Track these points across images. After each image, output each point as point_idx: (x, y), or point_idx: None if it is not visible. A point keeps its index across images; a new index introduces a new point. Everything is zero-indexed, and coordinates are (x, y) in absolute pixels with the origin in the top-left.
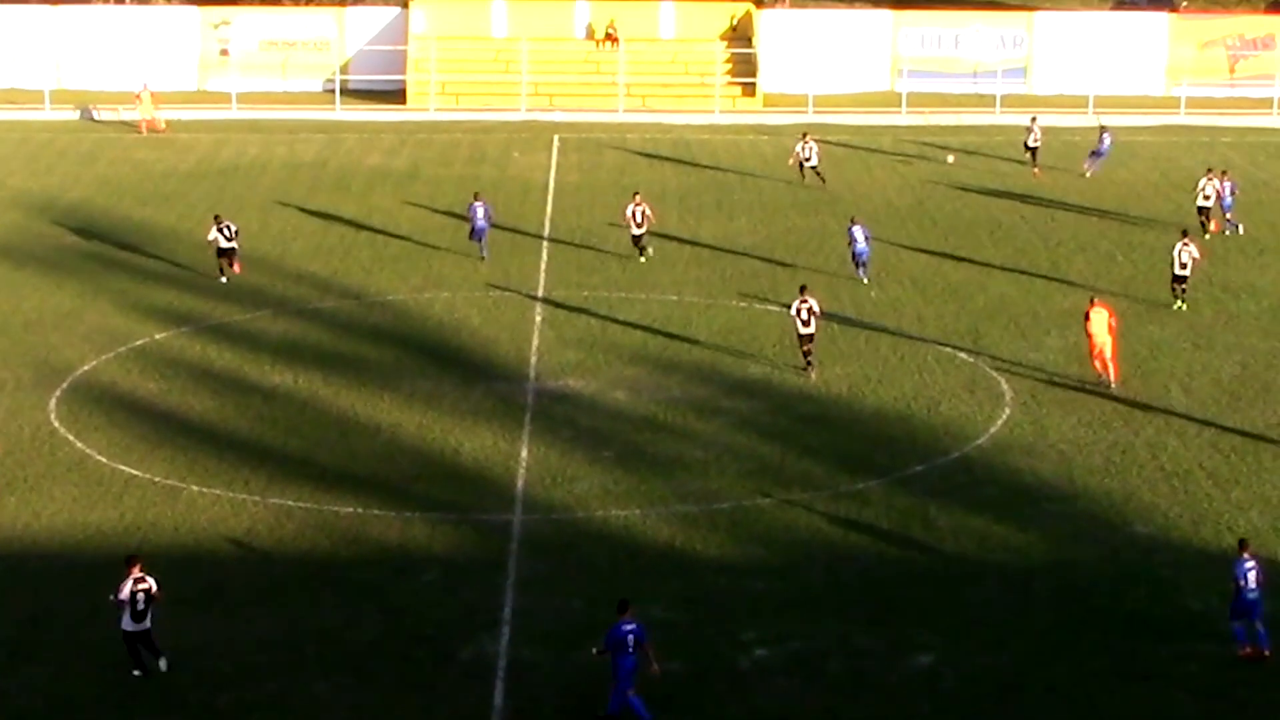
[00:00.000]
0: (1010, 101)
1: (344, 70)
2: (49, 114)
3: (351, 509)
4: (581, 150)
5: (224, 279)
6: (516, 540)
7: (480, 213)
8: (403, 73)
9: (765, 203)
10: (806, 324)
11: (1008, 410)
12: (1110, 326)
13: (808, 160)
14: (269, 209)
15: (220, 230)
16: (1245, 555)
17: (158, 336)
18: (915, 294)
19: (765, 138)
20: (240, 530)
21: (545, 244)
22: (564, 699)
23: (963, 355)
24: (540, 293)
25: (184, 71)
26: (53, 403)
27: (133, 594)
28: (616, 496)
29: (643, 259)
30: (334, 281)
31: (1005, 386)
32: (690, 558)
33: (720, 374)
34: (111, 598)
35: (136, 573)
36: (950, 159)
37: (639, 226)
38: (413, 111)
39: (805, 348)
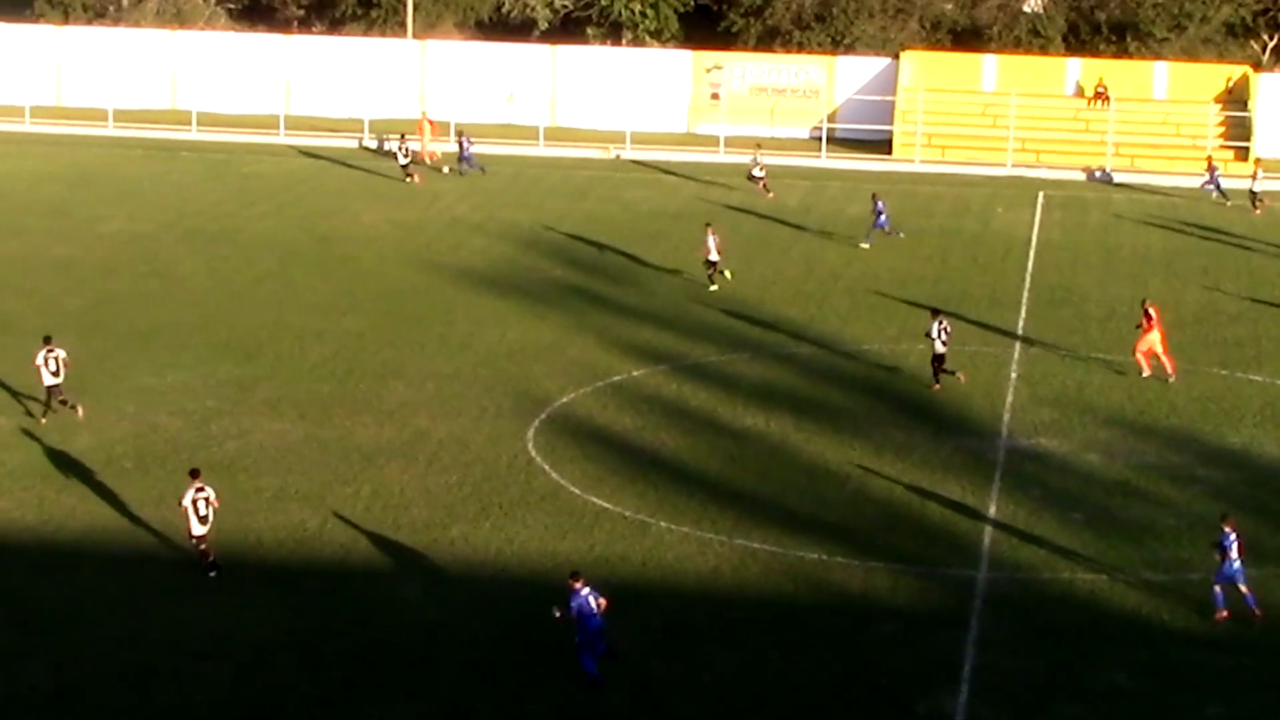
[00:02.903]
0: None
1: (831, 118)
2: (542, 150)
3: (816, 555)
4: (1066, 208)
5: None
6: (980, 597)
7: (466, 145)
8: (890, 123)
9: (1253, 269)
10: (945, 345)
11: None
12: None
13: (758, 175)
14: (752, 253)
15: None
16: (1227, 529)
17: (635, 373)
18: None
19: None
20: (705, 569)
21: (1024, 301)
22: None
23: None
24: (1017, 350)
25: (674, 114)
26: (531, 432)
27: (194, 500)
28: (1084, 559)
29: (714, 287)
30: (811, 327)
31: None
32: (1157, 627)
33: (1197, 442)
34: (177, 505)
35: (197, 483)
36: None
37: (717, 254)
38: (898, 162)
39: (940, 367)
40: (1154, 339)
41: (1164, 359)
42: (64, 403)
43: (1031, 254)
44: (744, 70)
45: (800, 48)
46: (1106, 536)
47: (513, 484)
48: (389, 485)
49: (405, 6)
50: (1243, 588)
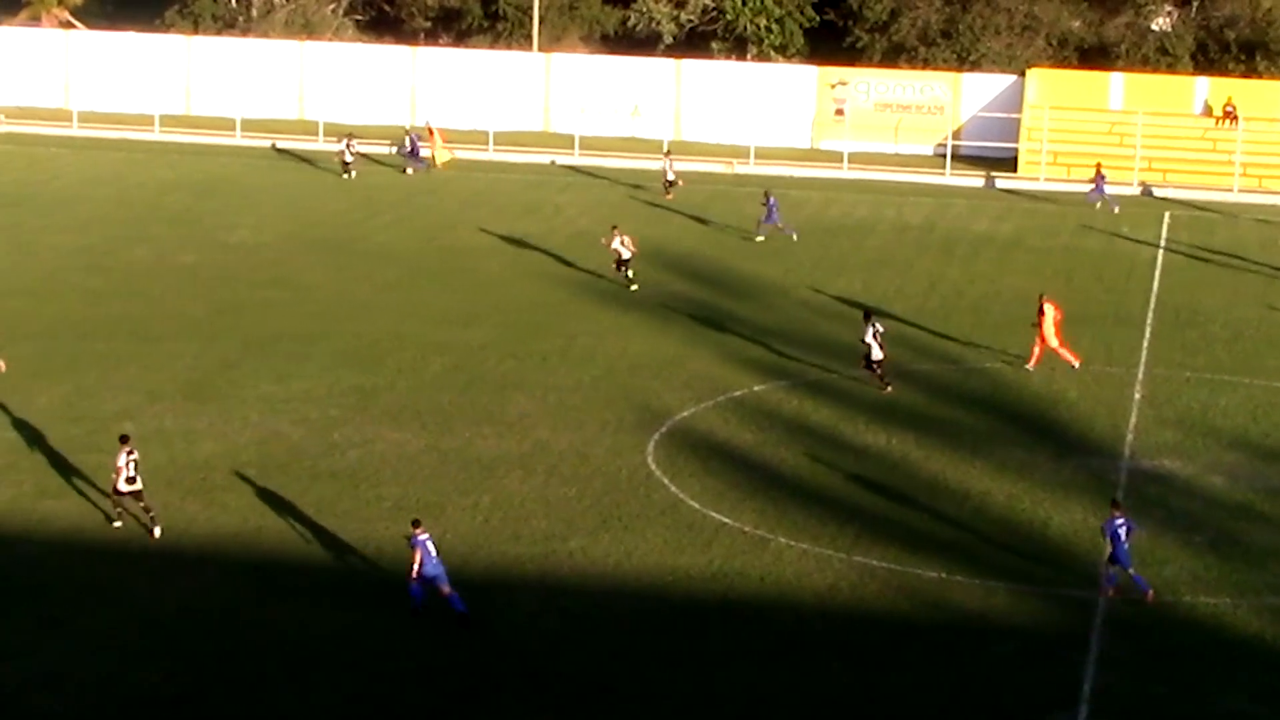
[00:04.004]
0: None
1: (956, 135)
2: (665, 164)
3: (935, 573)
4: (1192, 228)
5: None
6: (1100, 618)
7: (410, 141)
8: (1015, 141)
9: None
10: (882, 348)
11: None
12: (1056, 321)
13: (672, 181)
14: (873, 269)
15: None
16: (1116, 514)
17: (756, 388)
18: None
19: None
20: (823, 585)
21: (1149, 321)
22: None
23: None
24: (1141, 371)
25: (798, 129)
26: (651, 446)
27: (127, 462)
28: (1206, 583)
29: (626, 278)
30: (933, 345)
31: None
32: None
33: None
34: (114, 476)
35: (128, 448)
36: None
37: (628, 252)
38: (1022, 180)
39: (879, 370)
40: (1050, 333)
41: (1061, 351)
42: None
43: (1157, 274)
44: (869, 86)
45: (926, 64)
46: (1230, 560)
47: (632, 497)
48: (509, 496)
49: (531, 19)
50: (1130, 570)
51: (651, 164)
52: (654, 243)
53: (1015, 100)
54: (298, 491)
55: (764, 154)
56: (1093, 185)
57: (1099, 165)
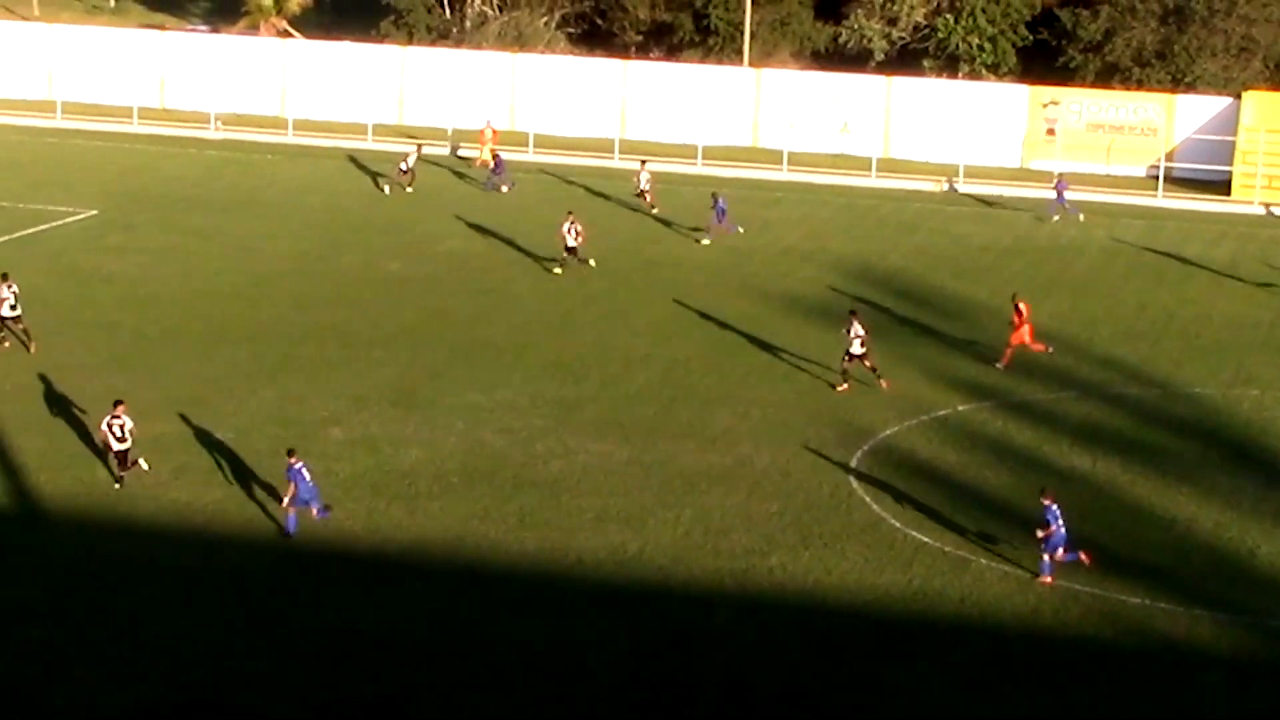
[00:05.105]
0: None
1: (1169, 157)
2: (873, 181)
3: (1139, 600)
4: None
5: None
6: None
7: (500, 168)
8: (1229, 164)
9: None
10: (864, 344)
11: None
12: (1027, 320)
13: (643, 189)
14: (1081, 291)
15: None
16: (1048, 502)
17: (960, 408)
18: None
19: None
20: (1025, 608)
21: None
22: None
23: None
24: None
25: (1008, 148)
26: (853, 464)
27: (109, 424)
28: None
29: (557, 270)
30: (1141, 369)
31: None
32: None
33: None
34: (101, 431)
35: (117, 411)
36: None
37: (575, 240)
38: (1237, 203)
39: (868, 364)
40: (1024, 333)
41: (1033, 347)
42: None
43: None
44: (1081, 106)
45: (1139, 85)
46: None
47: (833, 515)
48: (710, 511)
49: (742, 35)
50: (1060, 551)
51: (861, 181)
52: (861, 259)
53: (1230, 123)
54: (500, 500)
55: (973, 172)
56: (1055, 196)
57: (1060, 175)
